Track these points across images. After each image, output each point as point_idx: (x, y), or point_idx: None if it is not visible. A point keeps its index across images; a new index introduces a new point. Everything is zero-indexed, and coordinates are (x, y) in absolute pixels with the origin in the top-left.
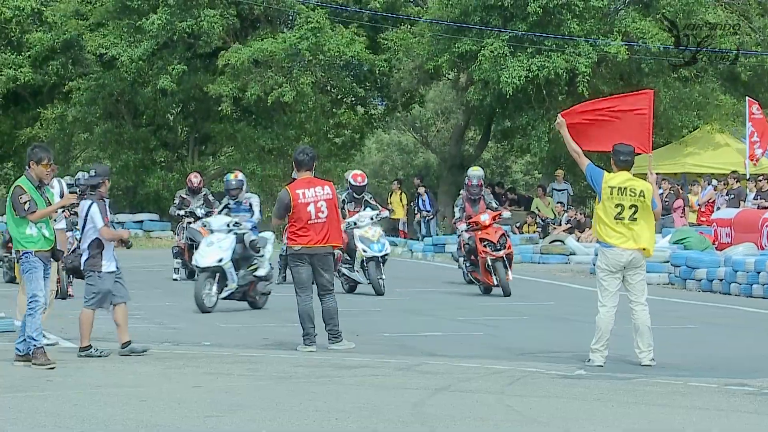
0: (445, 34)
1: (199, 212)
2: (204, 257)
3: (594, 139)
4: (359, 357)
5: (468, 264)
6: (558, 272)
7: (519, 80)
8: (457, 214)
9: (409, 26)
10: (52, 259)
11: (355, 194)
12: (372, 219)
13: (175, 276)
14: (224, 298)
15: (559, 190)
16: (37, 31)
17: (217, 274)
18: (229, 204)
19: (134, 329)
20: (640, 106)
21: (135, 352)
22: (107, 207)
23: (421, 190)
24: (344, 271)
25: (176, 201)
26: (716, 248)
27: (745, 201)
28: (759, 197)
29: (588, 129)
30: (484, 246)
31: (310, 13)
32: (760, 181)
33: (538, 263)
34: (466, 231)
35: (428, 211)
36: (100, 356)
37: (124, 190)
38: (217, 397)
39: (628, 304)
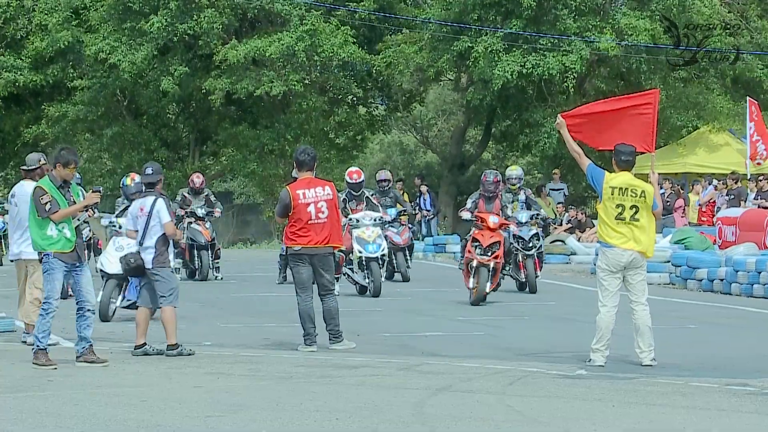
0: (445, 36)
1: (200, 212)
2: (112, 264)
3: (597, 137)
4: (360, 357)
5: (461, 258)
6: (559, 272)
7: (511, 75)
8: (468, 205)
9: (407, 31)
10: (79, 261)
11: (353, 191)
12: (374, 221)
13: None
14: (124, 307)
15: (556, 190)
16: (32, 32)
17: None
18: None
19: (134, 329)
20: (644, 106)
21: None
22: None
23: (424, 189)
24: (347, 272)
25: (178, 198)
26: (720, 247)
27: (745, 201)
28: (759, 197)
29: (591, 127)
30: (474, 247)
31: (305, 14)
32: (761, 181)
33: None
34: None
35: (428, 211)
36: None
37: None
38: (218, 397)
39: (629, 304)
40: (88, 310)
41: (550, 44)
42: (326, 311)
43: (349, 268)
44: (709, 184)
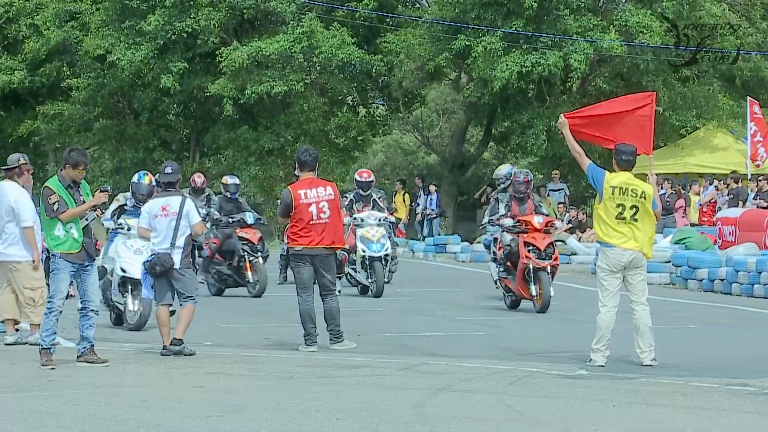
0: (445, 34)
1: (201, 213)
2: (136, 267)
3: (597, 138)
4: (360, 357)
5: (501, 269)
6: (559, 272)
7: (511, 76)
8: (502, 210)
9: (407, 28)
10: (89, 260)
11: (361, 191)
12: (379, 221)
13: None
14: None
15: (555, 191)
16: (29, 35)
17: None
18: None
19: (132, 329)
20: (642, 108)
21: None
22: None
23: (432, 188)
24: (349, 271)
25: None
26: (720, 247)
27: (745, 201)
28: (759, 197)
29: (591, 127)
30: (528, 251)
31: (303, 16)
32: (761, 181)
33: None
34: (508, 232)
35: (433, 210)
36: (191, 354)
37: (124, 190)
38: (218, 397)
39: (629, 304)
40: (92, 310)
41: (551, 42)
42: (327, 311)
43: (352, 268)
44: (710, 184)
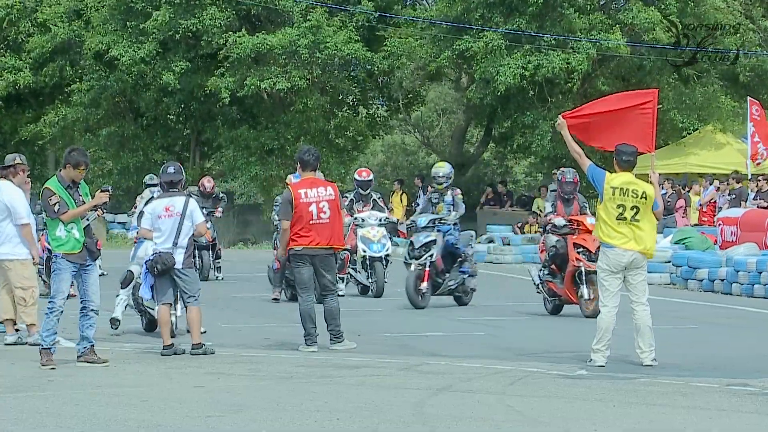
0: (447, 34)
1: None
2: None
3: (597, 137)
4: (360, 357)
5: (545, 272)
6: None
7: (514, 78)
8: (548, 209)
9: (408, 28)
10: (90, 260)
11: (361, 190)
12: (380, 221)
13: None
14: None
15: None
16: (33, 33)
17: None
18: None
19: (135, 329)
20: (644, 105)
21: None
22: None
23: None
24: (350, 272)
25: None
26: (720, 247)
27: (746, 201)
28: (759, 197)
29: (591, 127)
30: (579, 253)
31: (309, 12)
32: (761, 181)
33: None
34: (553, 233)
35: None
36: (212, 353)
37: (125, 191)
38: (219, 397)
39: (629, 304)
40: (92, 310)
41: (554, 42)
42: (327, 311)
43: (352, 268)
44: (710, 184)
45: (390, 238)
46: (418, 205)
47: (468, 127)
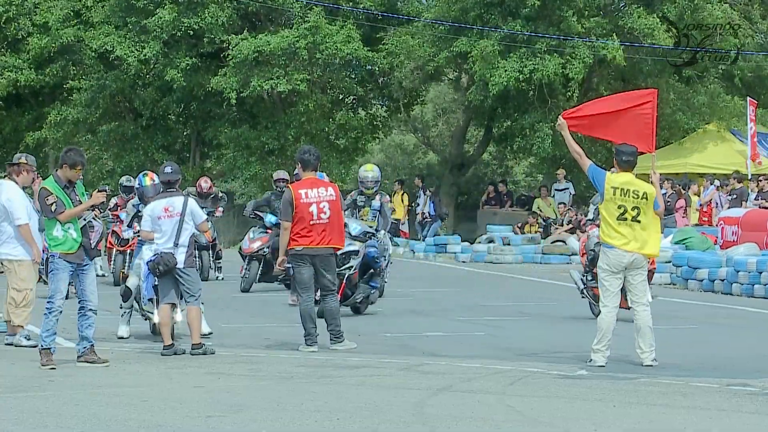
0: (446, 35)
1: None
2: None
3: (598, 130)
4: (361, 357)
5: (588, 276)
6: (559, 272)
7: (508, 81)
8: (591, 215)
9: (408, 27)
10: (87, 260)
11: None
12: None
13: None
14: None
15: (561, 190)
16: (32, 32)
17: None
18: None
19: (135, 329)
20: (643, 106)
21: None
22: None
23: (428, 193)
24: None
25: None
26: (721, 246)
27: (746, 201)
28: (759, 197)
29: (592, 125)
30: None
31: (308, 12)
32: (761, 181)
33: (540, 263)
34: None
35: (432, 216)
36: (212, 353)
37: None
38: (219, 397)
39: (630, 304)
40: (90, 309)
41: (550, 47)
42: (327, 311)
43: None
44: (711, 184)
45: (391, 238)
46: (419, 205)
47: (468, 127)
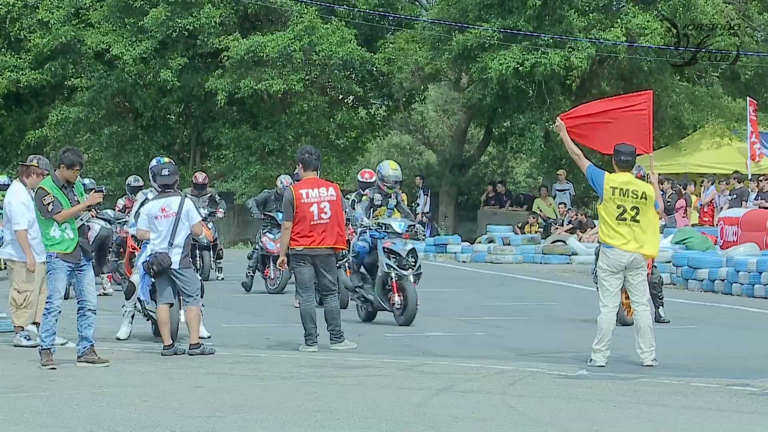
0: (444, 36)
1: (202, 213)
2: None
3: (594, 139)
4: (361, 357)
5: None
6: (560, 272)
7: (507, 70)
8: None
9: (406, 31)
10: (85, 260)
11: (362, 191)
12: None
13: None
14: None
15: (561, 191)
16: (34, 30)
17: None
18: None
19: (135, 330)
20: (639, 107)
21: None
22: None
23: (428, 192)
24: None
25: None
26: (721, 246)
27: (747, 201)
28: (760, 197)
29: (588, 130)
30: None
31: (303, 12)
32: (762, 181)
33: (540, 263)
34: None
35: (426, 215)
36: (212, 353)
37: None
38: (219, 397)
39: (630, 304)
40: (89, 309)
41: (552, 41)
42: (328, 311)
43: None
44: (711, 184)
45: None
46: (418, 205)
47: (468, 127)
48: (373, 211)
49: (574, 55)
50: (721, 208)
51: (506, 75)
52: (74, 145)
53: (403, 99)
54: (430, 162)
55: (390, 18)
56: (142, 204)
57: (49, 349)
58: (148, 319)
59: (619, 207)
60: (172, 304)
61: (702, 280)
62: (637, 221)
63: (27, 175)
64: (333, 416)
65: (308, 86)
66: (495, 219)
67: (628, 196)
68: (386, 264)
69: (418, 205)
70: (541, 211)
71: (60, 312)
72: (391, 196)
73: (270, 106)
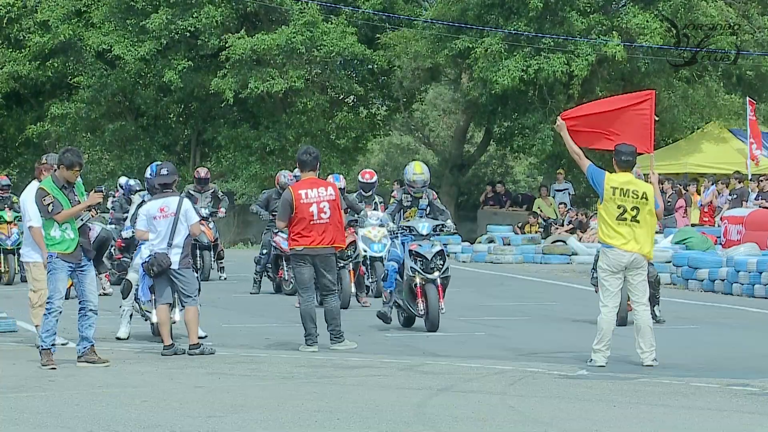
0: (446, 33)
1: (203, 212)
2: None
3: (596, 139)
4: (361, 357)
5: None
6: (560, 272)
7: (512, 81)
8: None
9: (407, 27)
10: (86, 260)
11: (363, 192)
12: (381, 220)
13: None
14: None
15: (560, 191)
16: (34, 30)
17: None
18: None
19: (135, 329)
20: (641, 106)
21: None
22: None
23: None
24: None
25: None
26: (724, 246)
27: (747, 201)
28: (760, 197)
29: (590, 129)
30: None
31: (304, 7)
32: (762, 181)
33: (540, 263)
34: None
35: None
36: (212, 353)
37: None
38: (219, 397)
39: (630, 304)
40: (90, 310)
41: (553, 44)
42: (328, 311)
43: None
44: (712, 184)
45: (391, 238)
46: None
47: (468, 127)
48: (403, 213)
49: (575, 63)
50: (721, 208)
51: (512, 85)
52: (75, 145)
53: (404, 99)
54: (430, 162)
55: (390, 18)
56: (138, 206)
57: (49, 349)
58: (146, 320)
59: (619, 207)
60: (170, 304)
61: (702, 280)
62: (638, 221)
63: (40, 173)
64: (333, 416)
65: (309, 85)
66: (495, 219)
67: (628, 196)
68: (411, 268)
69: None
70: (541, 211)
71: (60, 312)
72: (422, 197)
73: (270, 106)
